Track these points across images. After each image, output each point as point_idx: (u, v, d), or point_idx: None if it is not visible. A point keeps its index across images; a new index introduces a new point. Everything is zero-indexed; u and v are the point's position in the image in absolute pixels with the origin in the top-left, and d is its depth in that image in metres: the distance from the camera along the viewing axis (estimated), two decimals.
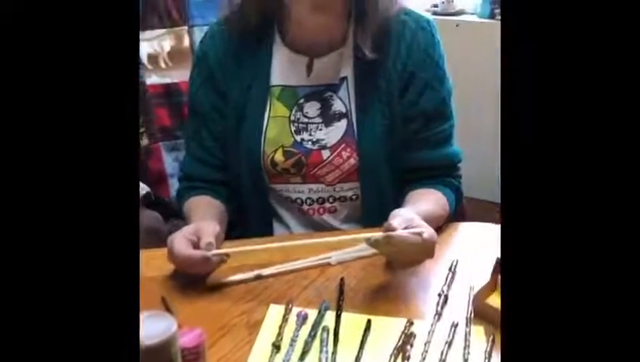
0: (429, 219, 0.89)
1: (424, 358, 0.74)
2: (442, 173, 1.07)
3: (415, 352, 0.76)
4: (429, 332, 0.78)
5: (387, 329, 0.80)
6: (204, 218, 0.97)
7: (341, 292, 0.86)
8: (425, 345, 0.76)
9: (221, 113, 1.07)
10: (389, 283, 0.90)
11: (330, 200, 1.08)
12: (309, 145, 1.04)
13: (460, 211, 1.11)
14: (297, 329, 0.79)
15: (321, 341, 0.77)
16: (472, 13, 2.44)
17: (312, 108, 1.05)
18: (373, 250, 0.94)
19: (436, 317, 0.81)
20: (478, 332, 0.79)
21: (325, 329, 0.79)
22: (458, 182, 1.09)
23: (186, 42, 1.59)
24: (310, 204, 1.08)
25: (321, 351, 0.75)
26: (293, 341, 0.77)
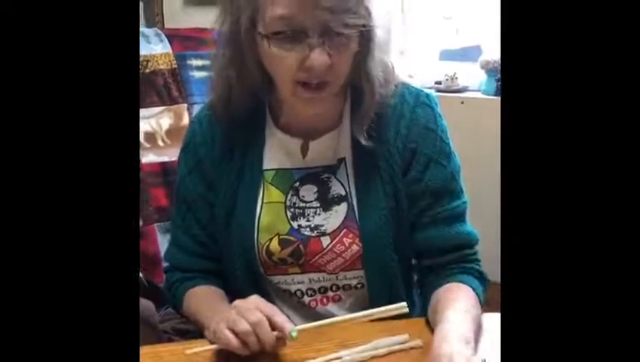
0: (476, 327, 0.82)
1: None
2: (459, 257, 0.97)
3: None
4: None
5: None
6: (220, 304, 0.90)
7: None
8: None
9: (210, 203, 1.00)
10: None
11: (334, 288, 0.98)
12: (307, 232, 0.96)
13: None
14: None
15: None
16: (477, 90, 2.42)
17: (309, 192, 0.97)
18: (389, 348, 0.85)
19: None
20: None
21: None
22: (479, 265, 0.99)
23: (186, 120, 1.53)
24: (312, 296, 0.99)
25: None
26: None
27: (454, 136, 1.01)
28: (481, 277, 0.98)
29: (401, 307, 0.83)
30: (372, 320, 0.97)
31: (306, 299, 0.99)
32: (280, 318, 0.80)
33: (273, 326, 0.79)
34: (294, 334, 0.80)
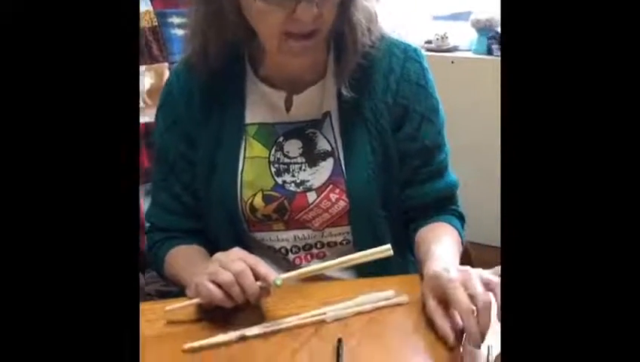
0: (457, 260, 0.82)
1: None
2: (446, 203, 0.99)
3: None
4: None
5: None
6: (203, 262, 0.87)
7: (339, 355, 0.74)
8: None
9: (190, 160, 0.96)
10: (395, 342, 0.77)
11: (318, 245, 0.96)
12: (292, 188, 0.93)
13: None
14: None
15: None
16: (467, 50, 2.37)
17: (294, 147, 0.94)
18: (374, 304, 0.83)
19: None
20: None
21: None
22: (458, 206, 1.01)
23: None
24: (296, 253, 0.96)
25: None
26: None
27: (445, 95, 0.99)
28: (460, 217, 0.99)
29: (385, 250, 0.81)
30: (359, 276, 0.96)
31: (291, 256, 0.96)
32: (263, 268, 0.78)
33: (256, 276, 0.77)
34: (279, 282, 0.78)
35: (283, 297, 0.86)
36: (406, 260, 1.02)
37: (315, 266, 0.83)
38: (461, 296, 0.72)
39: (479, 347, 0.72)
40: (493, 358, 0.72)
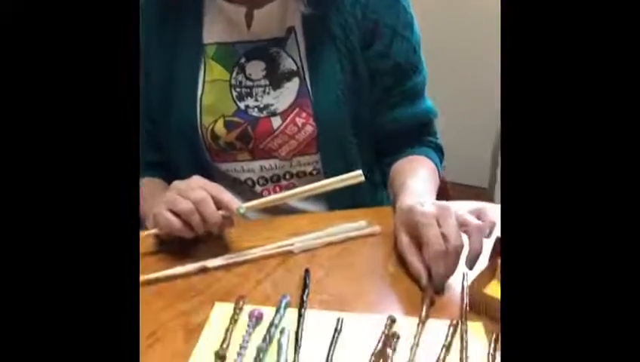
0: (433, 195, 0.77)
1: (411, 357, 0.58)
2: (422, 133, 0.93)
3: (399, 357, 0.59)
4: (415, 335, 0.62)
5: (363, 329, 0.63)
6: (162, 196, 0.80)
7: (305, 285, 0.70)
8: (411, 348, 0.60)
9: (145, 87, 0.89)
10: (365, 273, 0.73)
11: (287, 176, 0.91)
12: (255, 113, 0.87)
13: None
14: (249, 333, 0.62)
15: (279, 346, 0.60)
16: None
17: (256, 69, 0.87)
18: (345, 234, 0.78)
19: (424, 312, 0.65)
20: (477, 330, 0.63)
21: (284, 331, 0.62)
22: (437, 138, 0.96)
23: None
24: (263, 185, 0.91)
25: (278, 360, 0.58)
26: (242, 348, 0.60)
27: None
28: (438, 148, 0.94)
29: (357, 175, 0.76)
30: (329, 209, 0.92)
31: (258, 188, 0.91)
32: (225, 196, 0.73)
33: (218, 205, 0.72)
34: (242, 211, 0.73)
35: (248, 229, 0.81)
36: (379, 193, 0.98)
37: (282, 194, 0.78)
38: (432, 235, 0.67)
39: (442, 291, 0.68)
40: (468, 284, 0.68)
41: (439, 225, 0.68)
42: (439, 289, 0.68)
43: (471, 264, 0.68)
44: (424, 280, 0.68)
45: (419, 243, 0.71)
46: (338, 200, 0.90)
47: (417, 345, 0.60)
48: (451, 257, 0.67)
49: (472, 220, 0.69)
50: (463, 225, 0.69)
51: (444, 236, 0.67)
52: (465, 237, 0.68)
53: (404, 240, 0.72)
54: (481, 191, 2.27)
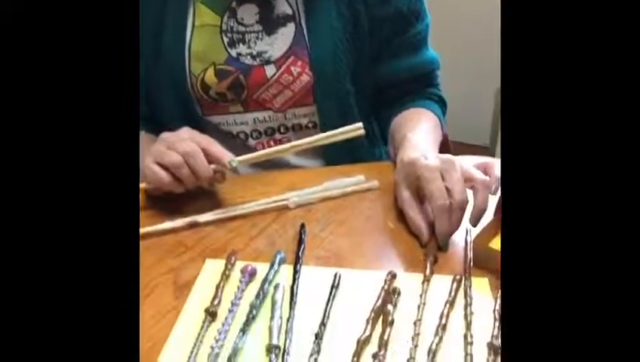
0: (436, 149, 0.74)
1: (414, 323, 0.55)
2: (424, 84, 0.89)
3: (400, 314, 0.56)
4: (421, 293, 0.59)
5: (361, 285, 0.60)
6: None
7: (301, 240, 0.66)
8: (418, 307, 0.57)
9: None
10: (363, 229, 0.70)
11: (282, 130, 0.87)
12: (247, 61, 0.82)
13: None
14: (241, 290, 0.59)
15: (273, 303, 0.57)
16: None
17: (249, 13, 0.82)
18: (342, 190, 0.75)
19: (428, 270, 0.62)
20: (482, 286, 0.60)
21: (279, 287, 0.59)
22: (439, 90, 0.91)
23: None
24: (257, 138, 0.87)
25: (272, 317, 0.55)
26: (234, 305, 0.57)
27: None
28: (441, 101, 0.90)
29: (357, 128, 0.72)
30: (326, 165, 0.88)
31: (251, 141, 0.87)
32: (216, 148, 0.69)
33: (209, 158, 0.68)
34: (234, 164, 0.69)
35: (241, 184, 0.78)
36: (378, 149, 0.94)
37: (277, 147, 0.74)
38: (436, 189, 0.63)
39: (445, 248, 0.65)
40: (472, 239, 0.65)
41: (443, 179, 0.64)
42: (443, 245, 0.65)
43: (475, 222, 0.65)
44: (426, 236, 0.65)
45: (421, 198, 0.68)
46: (335, 156, 0.86)
47: (424, 304, 0.57)
48: (455, 213, 0.64)
49: (478, 175, 0.66)
50: (468, 180, 0.65)
51: (448, 190, 0.64)
52: (469, 194, 0.65)
53: (405, 195, 0.68)
54: (482, 150, 2.24)
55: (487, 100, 2.24)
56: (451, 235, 0.65)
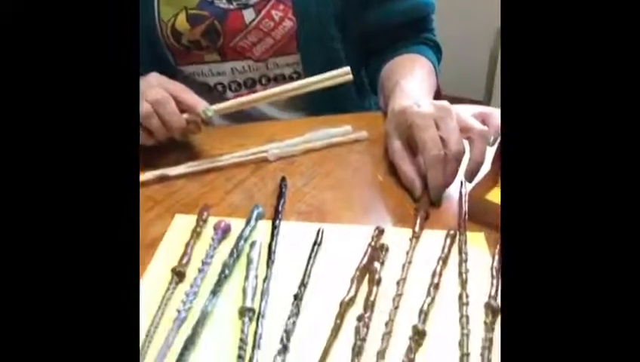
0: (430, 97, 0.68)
1: (397, 283, 0.49)
2: (417, 29, 0.82)
3: (387, 271, 0.51)
4: (408, 251, 0.53)
5: (347, 242, 0.55)
6: None
7: (281, 194, 0.61)
8: (403, 266, 0.52)
9: None
10: (350, 182, 0.64)
11: (263, 81, 0.80)
12: (223, 5, 0.74)
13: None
14: (213, 248, 0.53)
15: (249, 262, 0.51)
16: None
17: None
18: (327, 141, 0.69)
19: (418, 226, 0.56)
20: (478, 241, 0.55)
21: (255, 244, 0.53)
22: (434, 35, 0.84)
23: None
24: (236, 90, 0.80)
25: (246, 278, 0.50)
26: (205, 264, 0.51)
27: None
28: (436, 47, 0.83)
29: (344, 73, 0.66)
30: (312, 118, 0.82)
31: (230, 94, 0.80)
32: (188, 95, 0.63)
33: (181, 107, 0.62)
34: (209, 113, 0.63)
35: (218, 137, 0.72)
36: (367, 101, 0.88)
37: (258, 94, 0.67)
38: (430, 138, 0.57)
39: (438, 203, 0.59)
40: (467, 192, 0.59)
41: (438, 128, 0.58)
42: (436, 200, 0.59)
43: (471, 176, 0.59)
44: (418, 190, 0.60)
45: (413, 149, 0.62)
46: (320, 109, 0.79)
47: (410, 262, 0.52)
48: (450, 164, 0.58)
49: (476, 125, 0.60)
50: (464, 130, 0.59)
51: (442, 140, 0.58)
52: (466, 145, 0.59)
53: (396, 145, 0.62)
54: (476, 104, 2.19)
55: (481, 54, 2.17)
56: (445, 189, 0.60)
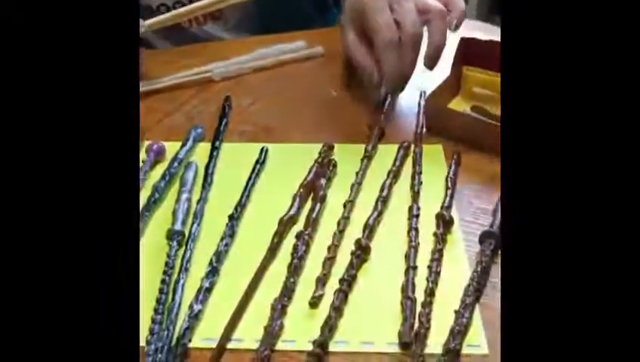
0: None
1: (344, 205, 0.45)
2: None
3: (335, 190, 0.47)
4: (358, 171, 0.49)
5: (293, 159, 0.50)
6: None
7: (224, 114, 0.56)
8: (352, 186, 0.47)
9: None
10: (300, 100, 0.60)
11: None
12: None
13: None
14: (144, 171, 0.48)
15: (182, 184, 0.47)
16: None
17: None
18: (278, 58, 0.64)
19: (372, 143, 0.51)
20: (434, 154, 0.50)
21: (191, 166, 0.49)
22: None
23: None
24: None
25: (178, 200, 0.45)
26: None
27: None
28: None
29: None
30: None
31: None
32: None
33: None
34: (143, 29, 0.58)
35: (159, 59, 0.66)
36: (332, 16, 0.82)
37: (194, 4, 0.61)
38: (383, 22, 0.52)
39: (393, 93, 0.54)
40: (424, 102, 0.55)
41: (392, 11, 0.52)
42: (393, 90, 0.54)
43: (431, 62, 0.53)
44: (375, 77, 0.54)
45: (369, 39, 0.56)
46: (276, 27, 0.73)
47: (360, 183, 0.47)
48: (406, 48, 0.52)
49: (435, 4, 0.54)
50: (423, 12, 0.53)
51: (397, 23, 0.52)
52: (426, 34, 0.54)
53: (351, 37, 0.56)
54: None
55: None
56: (403, 79, 0.54)
